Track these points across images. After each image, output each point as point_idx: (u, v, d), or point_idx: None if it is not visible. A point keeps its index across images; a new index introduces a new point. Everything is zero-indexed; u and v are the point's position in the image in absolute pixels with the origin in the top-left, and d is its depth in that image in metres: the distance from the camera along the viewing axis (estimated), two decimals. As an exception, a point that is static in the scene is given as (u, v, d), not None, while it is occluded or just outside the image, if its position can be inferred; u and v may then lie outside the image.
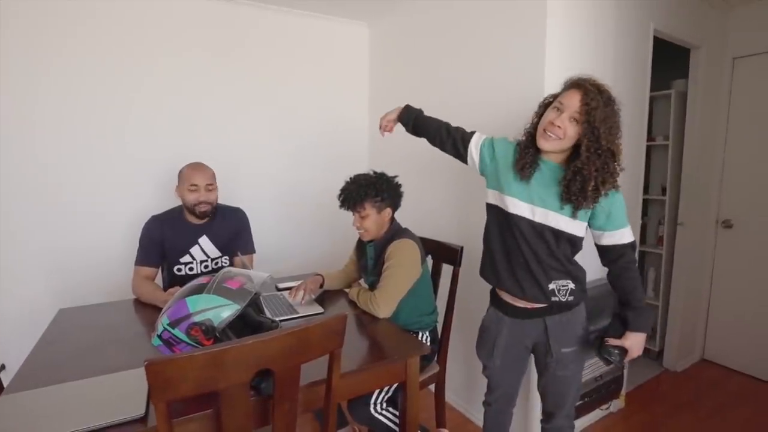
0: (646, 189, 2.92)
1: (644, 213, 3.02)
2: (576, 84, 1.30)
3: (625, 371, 2.26)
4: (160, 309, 1.53)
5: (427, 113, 2.55)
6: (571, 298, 1.42)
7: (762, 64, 2.67)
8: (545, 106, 1.39)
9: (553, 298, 1.41)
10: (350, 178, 1.83)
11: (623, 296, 1.41)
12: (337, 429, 1.69)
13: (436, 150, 2.47)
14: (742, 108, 2.78)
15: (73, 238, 2.27)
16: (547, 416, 1.58)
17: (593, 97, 1.24)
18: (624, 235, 1.37)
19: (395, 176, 1.87)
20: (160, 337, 1.17)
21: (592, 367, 2.02)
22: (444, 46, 2.41)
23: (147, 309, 1.76)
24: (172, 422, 0.92)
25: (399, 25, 2.79)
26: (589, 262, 2.21)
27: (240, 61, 2.63)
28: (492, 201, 1.50)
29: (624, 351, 1.37)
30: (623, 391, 2.36)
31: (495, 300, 1.58)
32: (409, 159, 2.69)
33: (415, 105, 2.65)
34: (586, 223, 1.38)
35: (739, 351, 2.86)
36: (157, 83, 2.40)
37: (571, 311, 1.45)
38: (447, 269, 2.00)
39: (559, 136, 1.28)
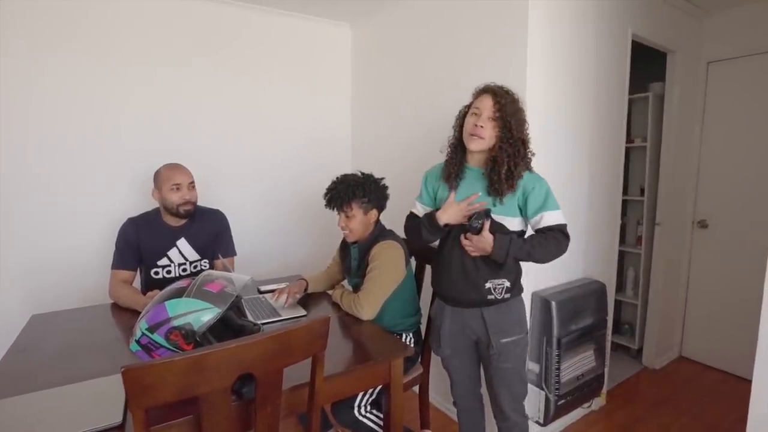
0: (625, 190, 2.98)
1: (623, 213, 3.08)
2: (486, 90, 1.48)
3: (606, 369, 2.29)
4: (139, 313, 1.50)
5: (409, 114, 2.58)
6: (507, 296, 1.52)
7: (734, 69, 2.75)
8: (462, 117, 1.55)
9: (489, 297, 1.50)
10: (337, 178, 1.82)
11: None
12: (321, 432, 1.68)
13: (416, 152, 2.49)
14: (716, 111, 2.86)
15: (46, 241, 2.20)
16: (500, 414, 1.63)
17: (502, 96, 1.43)
18: (545, 217, 1.45)
19: (382, 178, 1.87)
20: (138, 342, 1.14)
21: (574, 366, 2.05)
22: (426, 47, 2.42)
23: (124, 314, 1.71)
24: (151, 429, 0.90)
25: (382, 26, 2.79)
26: (570, 261, 2.25)
27: (222, 62, 2.59)
28: None
29: (478, 230, 1.42)
30: (604, 389, 2.40)
31: (437, 288, 1.68)
32: (391, 160, 2.69)
33: (398, 106, 2.67)
34: (519, 218, 1.49)
35: (715, 348, 2.93)
36: (137, 84, 2.34)
37: (507, 303, 1.54)
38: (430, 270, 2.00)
39: (482, 136, 1.43)
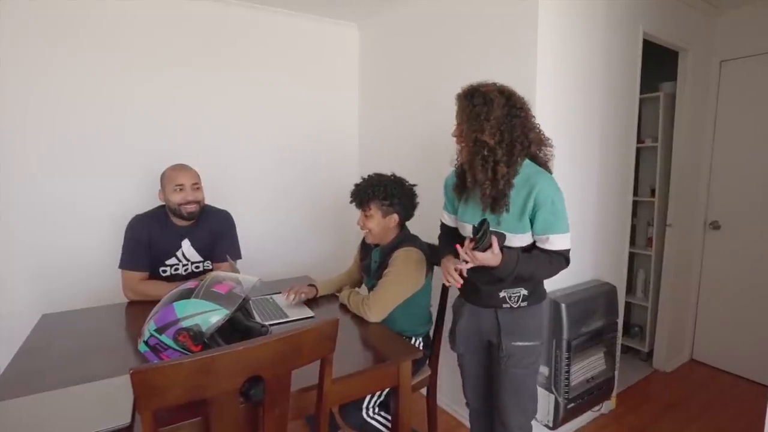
0: (635, 191, 2.95)
1: (633, 214, 3.04)
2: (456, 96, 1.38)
3: (616, 372, 2.26)
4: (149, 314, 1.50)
5: (417, 113, 2.56)
6: (524, 304, 1.44)
7: (748, 67, 2.71)
8: None
9: (504, 305, 1.44)
10: (368, 175, 1.81)
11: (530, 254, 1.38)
12: (328, 434, 1.67)
13: (425, 152, 2.48)
14: (728, 110, 2.82)
15: (55, 241, 2.21)
16: (503, 426, 1.53)
17: (462, 97, 1.33)
18: (551, 239, 1.33)
19: (414, 185, 1.83)
20: (146, 343, 1.14)
21: (584, 369, 2.03)
22: (434, 46, 2.40)
23: (134, 314, 1.72)
24: (160, 431, 0.90)
25: (389, 26, 2.78)
26: (580, 262, 2.22)
27: (228, 62, 2.59)
28: (454, 225, 1.59)
29: (484, 247, 1.24)
30: (614, 392, 2.37)
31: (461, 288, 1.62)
32: (399, 160, 2.67)
33: (405, 105, 2.66)
34: (529, 233, 1.36)
35: (727, 351, 2.89)
36: (144, 84, 2.35)
37: (524, 308, 1.45)
38: (438, 270, 1.98)
39: (462, 143, 1.35)
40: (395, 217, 1.77)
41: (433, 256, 1.79)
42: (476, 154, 1.30)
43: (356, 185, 1.79)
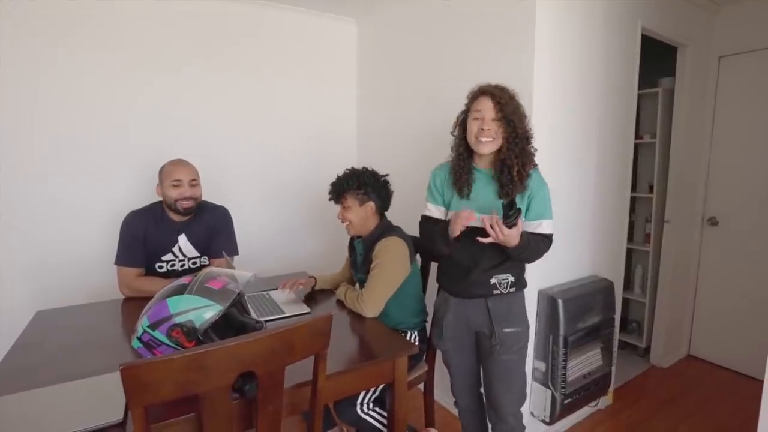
0: (633, 187, 2.94)
1: (631, 210, 3.03)
2: (482, 92, 1.46)
3: (613, 368, 2.26)
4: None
5: (415, 109, 2.55)
6: (512, 290, 1.54)
7: (747, 63, 2.70)
8: (462, 122, 1.52)
9: (495, 291, 1.53)
10: (343, 171, 1.84)
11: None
12: (325, 430, 1.67)
13: (423, 147, 2.47)
14: (727, 106, 2.81)
15: (52, 237, 2.19)
16: (496, 417, 1.60)
17: (501, 95, 1.42)
18: (543, 225, 1.49)
19: (385, 175, 1.86)
20: (140, 339, 1.14)
21: (581, 365, 2.03)
22: (433, 42, 2.39)
23: (130, 310, 1.71)
24: (152, 427, 0.90)
25: (388, 22, 2.76)
26: (577, 258, 2.22)
27: (226, 58, 2.57)
28: (443, 217, 1.62)
29: (512, 224, 1.33)
30: (611, 388, 2.37)
31: (442, 282, 1.69)
32: (397, 156, 2.67)
33: (403, 102, 2.65)
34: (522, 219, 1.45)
35: (724, 347, 2.89)
36: (140, 79, 2.33)
37: (512, 295, 1.56)
38: (435, 267, 1.98)
39: (492, 137, 1.42)
40: (371, 204, 1.79)
41: (415, 244, 1.83)
42: (523, 147, 1.44)
43: (332, 183, 1.83)
